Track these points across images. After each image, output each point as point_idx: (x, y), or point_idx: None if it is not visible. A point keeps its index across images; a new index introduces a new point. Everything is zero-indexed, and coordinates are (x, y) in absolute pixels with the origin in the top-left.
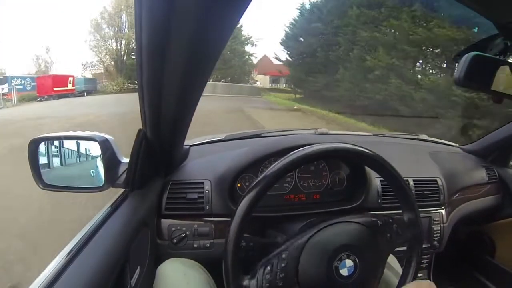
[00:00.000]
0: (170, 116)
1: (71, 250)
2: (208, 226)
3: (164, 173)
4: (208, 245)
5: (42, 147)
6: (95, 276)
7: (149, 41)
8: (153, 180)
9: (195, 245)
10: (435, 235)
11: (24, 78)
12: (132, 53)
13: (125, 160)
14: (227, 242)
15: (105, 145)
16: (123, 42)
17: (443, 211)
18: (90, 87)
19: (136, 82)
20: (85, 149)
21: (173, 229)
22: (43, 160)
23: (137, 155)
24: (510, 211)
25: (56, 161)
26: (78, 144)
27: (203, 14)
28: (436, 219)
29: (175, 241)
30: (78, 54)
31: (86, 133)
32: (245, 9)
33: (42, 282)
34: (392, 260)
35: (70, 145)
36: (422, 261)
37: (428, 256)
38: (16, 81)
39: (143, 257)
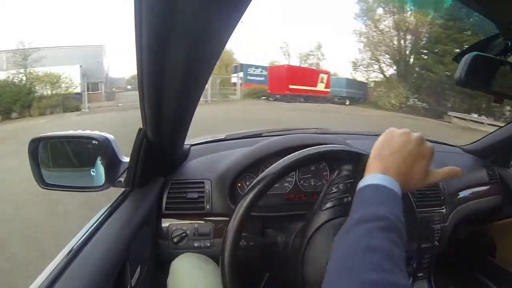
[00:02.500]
0: (171, 115)
1: (71, 250)
2: (209, 225)
3: (164, 172)
4: (209, 244)
5: (42, 147)
6: (95, 276)
7: (149, 41)
8: (154, 180)
9: (195, 245)
10: (435, 235)
11: (266, 68)
12: (422, 50)
13: (126, 159)
14: (225, 241)
15: (105, 144)
16: (408, 36)
17: (444, 211)
18: (356, 94)
19: (416, 98)
20: (86, 148)
21: (174, 228)
22: (43, 159)
23: (137, 155)
24: (511, 211)
25: (56, 160)
26: (78, 143)
27: (203, 13)
28: (436, 219)
29: (175, 240)
30: (349, 50)
31: (87, 133)
32: (246, 8)
33: (43, 281)
34: None
35: (70, 144)
36: (423, 261)
37: (428, 256)
38: (254, 70)
39: (144, 257)
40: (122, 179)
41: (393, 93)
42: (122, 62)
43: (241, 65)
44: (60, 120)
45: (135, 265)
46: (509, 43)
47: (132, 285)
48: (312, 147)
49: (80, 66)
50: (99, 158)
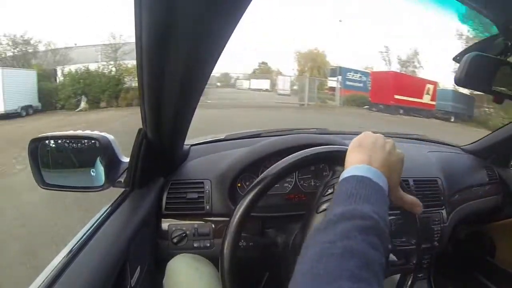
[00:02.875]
0: (170, 116)
1: (71, 250)
2: (208, 225)
3: (164, 172)
4: (208, 244)
5: (42, 147)
6: (95, 276)
7: (149, 41)
8: (153, 180)
9: (195, 245)
10: (435, 236)
11: (366, 74)
12: None
13: (126, 159)
14: (224, 241)
15: (105, 144)
16: None
17: (443, 212)
18: (462, 110)
19: None
20: (86, 148)
21: (173, 228)
22: (43, 159)
23: (137, 155)
24: (510, 212)
25: (56, 160)
26: (78, 143)
27: (203, 14)
28: (436, 220)
29: (175, 240)
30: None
31: (87, 133)
32: (245, 9)
33: (43, 281)
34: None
35: (70, 144)
36: (423, 261)
37: (428, 256)
38: (353, 75)
39: (143, 257)
40: (122, 179)
41: (502, 111)
42: None
43: (340, 68)
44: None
45: (135, 265)
46: (509, 43)
47: (132, 285)
48: (313, 148)
49: None
50: (99, 158)
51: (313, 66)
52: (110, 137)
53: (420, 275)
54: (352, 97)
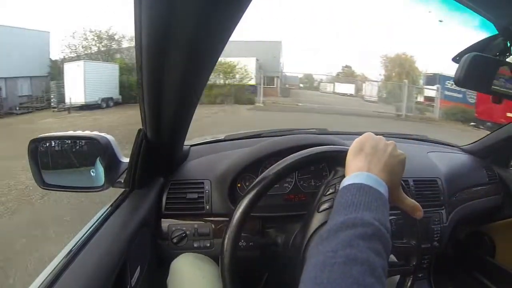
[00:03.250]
0: (170, 116)
1: (71, 250)
2: (208, 225)
3: (164, 173)
4: (208, 244)
5: (42, 147)
6: (95, 276)
7: (149, 41)
8: (153, 180)
9: (195, 245)
10: (435, 236)
11: None
12: None
13: (125, 160)
14: (224, 241)
15: (105, 144)
16: None
17: (443, 212)
18: None
19: None
20: (86, 148)
21: (173, 228)
22: (43, 160)
23: (137, 155)
24: (510, 212)
25: (56, 160)
26: (78, 143)
27: (203, 14)
28: (436, 220)
29: (175, 240)
30: None
31: (86, 133)
32: (245, 9)
33: (43, 281)
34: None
35: (70, 144)
36: (423, 261)
37: (428, 256)
38: (452, 84)
39: (143, 257)
40: (122, 179)
41: None
42: (296, 60)
43: (438, 76)
44: (230, 114)
45: (135, 265)
46: (508, 44)
47: (132, 285)
48: (313, 148)
49: (257, 59)
50: (99, 158)
51: (401, 71)
52: (110, 137)
53: (420, 275)
54: (452, 110)
